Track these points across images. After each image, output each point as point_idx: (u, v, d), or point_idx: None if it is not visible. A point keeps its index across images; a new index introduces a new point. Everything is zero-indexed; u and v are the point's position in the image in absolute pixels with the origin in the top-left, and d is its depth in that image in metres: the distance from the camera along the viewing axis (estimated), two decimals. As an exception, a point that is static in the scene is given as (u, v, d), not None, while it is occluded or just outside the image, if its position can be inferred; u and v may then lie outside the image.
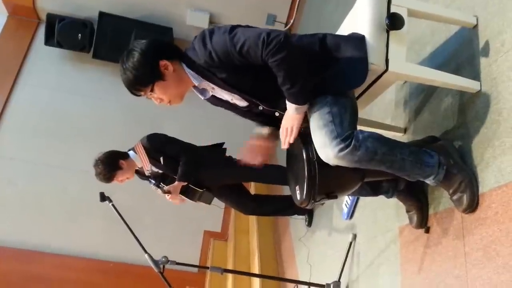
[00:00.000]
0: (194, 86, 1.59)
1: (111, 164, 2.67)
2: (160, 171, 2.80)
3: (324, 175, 1.44)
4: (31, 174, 4.75)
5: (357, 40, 1.51)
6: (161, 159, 2.71)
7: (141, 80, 1.50)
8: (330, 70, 1.49)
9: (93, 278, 4.52)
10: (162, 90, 1.52)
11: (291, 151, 1.64)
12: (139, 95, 1.56)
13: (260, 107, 1.58)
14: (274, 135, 1.70)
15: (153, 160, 2.72)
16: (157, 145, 2.74)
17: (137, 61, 1.48)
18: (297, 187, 1.56)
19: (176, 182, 2.61)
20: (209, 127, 5.02)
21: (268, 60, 1.37)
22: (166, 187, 2.59)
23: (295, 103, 1.44)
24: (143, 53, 1.49)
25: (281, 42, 1.34)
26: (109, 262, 4.62)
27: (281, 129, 1.52)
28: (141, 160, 2.70)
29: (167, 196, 2.59)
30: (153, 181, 2.58)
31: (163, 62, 1.49)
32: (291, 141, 1.49)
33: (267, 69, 1.41)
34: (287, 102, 1.46)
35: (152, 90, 1.52)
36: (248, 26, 1.46)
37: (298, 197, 1.54)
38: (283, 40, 1.35)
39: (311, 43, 1.52)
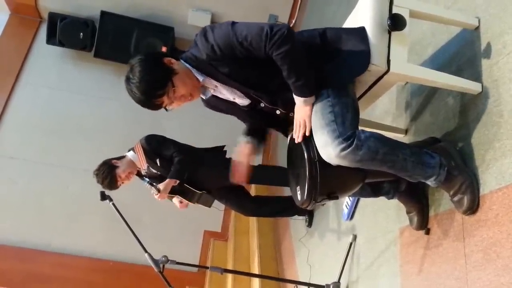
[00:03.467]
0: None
1: (106, 168, 2.68)
2: (158, 172, 2.80)
3: (325, 175, 1.44)
4: (31, 173, 4.76)
5: (358, 30, 1.52)
6: (158, 160, 2.72)
7: (157, 83, 1.45)
8: (332, 61, 1.49)
9: (93, 277, 4.52)
10: (182, 82, 1.48)
11: (292, 151, 1.64)
12: (160, 104, 1.49)
13: (262, 104, 1.58)
14: (255, 145, 1.71)
15: (150, 161, 2.72)
16: (155, 146, 2.75)
17: (143, 69, 1.45)
18: (298, 188, 1.55)
19: (167, 180, 2.60)
20: (211, 128, 5.03)
21: (272, 53, 1.37)
22: (158, 185, 2.59)
23: (302, 96, 1.44)
24: (144, 60, 1.47)
25: (284, 35, 1.35)
26: (109, 261, 4.62)
27: (294, 123, 1.51)
28: (139, 160, 2.71)
29: (156, 195, 2.58)
30: (147, 179, 2.58)
31: (166, 59, 1.50)
32: (307, 134, 1.46)
33: (269, 64, 1.42)
34: (294, 96, 1.46)
35: (174, 86, 1.47)
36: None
37: (299, 197, 1.54)
38: (287, 33, 1.35)
39: (312, 37, 1.53)
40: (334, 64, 1.49)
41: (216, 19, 5.17)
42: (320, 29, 1.55)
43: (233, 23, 1.41)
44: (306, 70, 1.42)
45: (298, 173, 1.54)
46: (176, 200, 2.81)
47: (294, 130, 1.52)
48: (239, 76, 1.49)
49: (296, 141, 1.51)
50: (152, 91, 1.45)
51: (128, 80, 1.47)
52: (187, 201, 2.81)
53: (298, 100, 1.47)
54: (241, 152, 1.67)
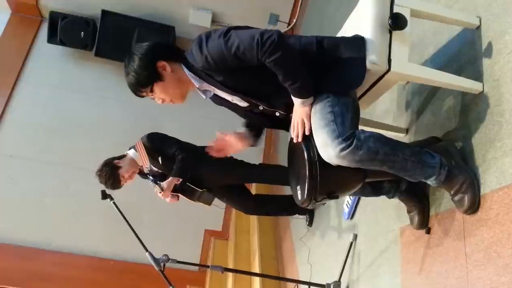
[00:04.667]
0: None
1: (108, 168, 2.68)
2: (160, 170, 2.80)
3: (325, 175, 1.44)
4: (32, 171, 4.76)
5: (356, 41, 1.51)
6: (160, 158, 2.72)
7: (141, 82, 1.56)
8: (328, 71, 1.49)
9: (94, 276, 4.53)
10: (161, 90, 1.57)
11: (293, 151, 1.64)
12: (142, 96, 1.62)
13: (260, 107, 1.58)
14: (248, 137, 1.79)
15: (152, 159, 2.72)
16: (157, 144, 2.74)
17: (137, 65, 1.54)
18: (298, 187, 1.56)
19: (170, 178, 2.61)
20: (210, 127, 5.02)
21: (265, 61, 1.38)
22: (162, 183, 2.60)
23: (300, 97, 1.45)
24: (142, 57, 1.54)
25: (275, 42, 1.35)
26: (109, 260, 4.62)
27: (291, 124, 1.52)
28: (141, 158, 2.71)
29: (159, 194, 2.58)
30: (151, 178, 2.59)
31: (160, 63, 1.54)
32: (307, 133, 1.47)
33: (263, 69, 1.42)
34: (292, 97, 1.47)
35: (152, 91, 1.57)
36: (246, 27, 1.46)
37: (300, 197, 1.54)
38: (277, 39, 1.36)
39: (309, 44, 1.52)
40: (330, 74, 1.49)
41: (217, 18, 5.17)
42: (319, 37, 1.54)
43: (226, 33, 1.41)
44: (302, 72, 1.43)
45: (299, 172, 1.55)
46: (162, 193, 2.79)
47: (291, 130, 1.52)
48: (233, 84, 1.51)
49: (295, 141, 1.51)
50: (135, 86, 1.58)
51: (125, 64, 1.58)
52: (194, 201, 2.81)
53: (296, 101, 1.47)
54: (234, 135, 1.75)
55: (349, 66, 1.48)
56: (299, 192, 1.55)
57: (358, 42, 1.51)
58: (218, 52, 1.41)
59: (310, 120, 1.46)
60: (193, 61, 1.50)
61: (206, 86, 1.57)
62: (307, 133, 1.47)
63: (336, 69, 1.49)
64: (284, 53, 1.37)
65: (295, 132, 1.50)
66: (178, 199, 2.79)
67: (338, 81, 1.48)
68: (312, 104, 1.47)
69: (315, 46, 1.52)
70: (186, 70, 1.55)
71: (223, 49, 1.40)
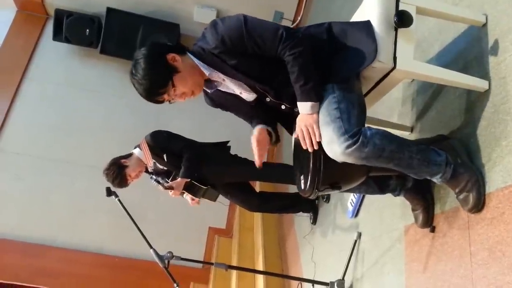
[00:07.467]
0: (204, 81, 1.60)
1: (115, 167, 2.70)
2: (165, 168, 2.82)
3: (329, 165, 1.43)
4: (38, 169, 4.79)
5: (363, 23, 1.53)
6: (164, 156, 2.73)
7: (158, 82, 1.49)
8: (339, 54, 1.50)
9: (99, 272, 4.56)
10: (182, 82, 1.51)
11: (299, 144, 1.62)
12: (162, 101, 1.53)
13: (268, 99, 1.58)
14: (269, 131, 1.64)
15: (157, 157, 2.74)
16: (161, 142, 2.76)
17: (146, 67, 1.47)
18: (302, 177, 1.55)
19: (179, 179, 2.62)
20: (215, 125, 5.04)
21: (285, 54, 1.41)
22: (168, 184, 2.61)
23: (308, 100, 1.44)
24: (147, 57, 1.49)
25: (299, 38, 1.42)
26: (114, 257, 4.65)
27: (297, 131, 1.48)
28: (145, 157, 2.73)
29: (170, 192, 2.61)
30: (154, 177, 2.60)
31: (169, 56, 1.51)
32: (318, 139, 1.43)
33: (275, 59, 1.45)
34: (299, 103, 1.46)
35: (174, 86, 1.50)
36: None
37: (302, 186, 1.53)
38: (302, 36, 1.43)
39: (319, 32, 1.55)
40: (340, 57, 1.50)
41: (222, 16, 5.15)
42: (326, 24, 1.56)
43: (245, 17, 1.44)
44: (315, 74, 1.44)
45: (303, 161, 1.54)
46: (188, 196, 2.82)
47: (300, 138, 1.48)
48: (246, 69, 1.50)
49: (310, 150, 1.45)
50: (153, 90, 1.49)
51: (132, 74, 1.51)
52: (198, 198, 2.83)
53: (304, 107, 1.45)
54: (259, 138, 1.58)
55: (360, 44, 1.49)
56: (302, 181, 1.54)
57: (365, 23, 1.52)
58: (236, 34, 1.42)
59: (318, 127, 1.43)
60: (204, 44, 1.48)
61: (215, 75, 1.56)
62: (318, 139, 1.43)
63: (347, 50, 1.50)
64: (305, 49, 1.41)
65: (304, 141, 1.45)
66: (199, 203, 2.81)
67: (350, 60, 1.48)
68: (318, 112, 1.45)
69: (325, 34, 1.54)
70: (195, 60, 1.52)
71: (242, 32, 1.41)
